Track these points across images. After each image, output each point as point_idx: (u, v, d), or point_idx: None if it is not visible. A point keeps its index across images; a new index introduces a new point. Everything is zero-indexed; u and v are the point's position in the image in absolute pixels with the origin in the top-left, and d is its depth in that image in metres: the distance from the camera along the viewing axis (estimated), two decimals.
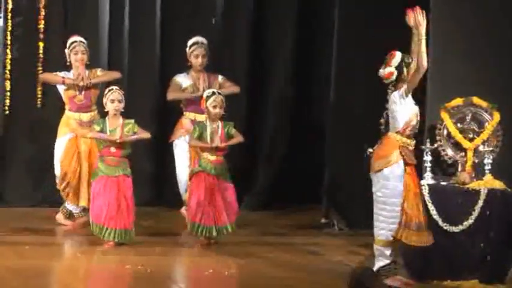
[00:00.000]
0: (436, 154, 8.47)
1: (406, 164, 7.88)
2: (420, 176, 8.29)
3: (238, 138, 9.42)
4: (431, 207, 8.21)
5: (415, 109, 7.99)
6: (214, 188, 9.37)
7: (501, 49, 8.96)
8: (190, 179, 9.57)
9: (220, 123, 9.39)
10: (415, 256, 8.24)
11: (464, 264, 8.18)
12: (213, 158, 9.36)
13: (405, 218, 7.84)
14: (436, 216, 8.20)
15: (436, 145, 8.47)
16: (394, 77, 7.96)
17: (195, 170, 9.45)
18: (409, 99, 7.95)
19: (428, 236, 7.92)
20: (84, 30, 10.47)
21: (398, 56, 8.00)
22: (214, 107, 9.32)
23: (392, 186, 7.88)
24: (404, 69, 7.97)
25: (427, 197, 8.24)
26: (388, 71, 7.99)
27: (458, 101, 8.52)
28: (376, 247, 7.97)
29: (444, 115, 8.49)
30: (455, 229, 8.20)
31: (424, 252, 8.16)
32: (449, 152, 8.52)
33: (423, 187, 8.25)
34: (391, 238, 7.89)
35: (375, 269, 7.92)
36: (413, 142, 7.98)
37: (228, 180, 9.45)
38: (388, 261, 7.95)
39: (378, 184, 7.94)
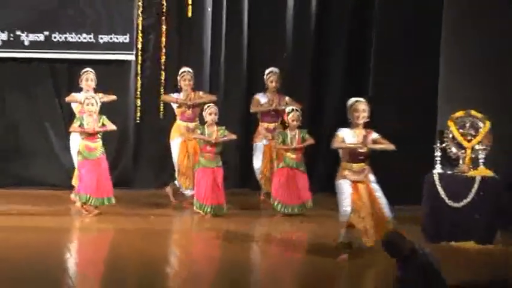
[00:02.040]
0: (444, 151, 8.46)
1: (351, 181, 7.59)
2: (433, 167, 8.33)
3: (310, 141, 9.51)
4: (440, 190, 8.27)
5: (350, 145, 7.58)
6: (295, 177, 9.47)
7: (496, 75, 8.97)
8: (272, 172, 9.75)
9: (297, 131, 9.49)
10: (428, 225, 8.34)
11: (465, 230, 8.21)
12: (293, 156, 9.47)
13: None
14: (443, 196, 8.26)
15: (444, 145, 8.47)
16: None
17: (280, 166, 9.56)
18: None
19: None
20: (192, 62, 10.47)
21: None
22: (293, 120, 9.46)
23: (338, 195, 7.61)
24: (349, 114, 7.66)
25: (437, 182, 8.27)
26: None
27: (460, 113, 8.51)
28: None
29: (450, 123, 8.50)
30: (458, 205, 8.26)
31: (435, 222, 8.30)
32: (454, 149, 8.50)
33: (434, 175, 8.30)
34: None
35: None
36: (359, 165, 7.58)
37: (304, 171, 9.53)
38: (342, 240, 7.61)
39: None
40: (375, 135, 7.68)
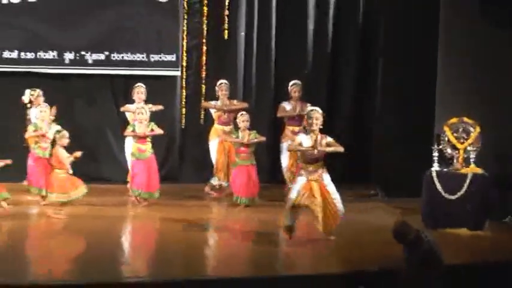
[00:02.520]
0: (440, 152, 8.50)
1: (306, 178, 7.54)
2: (431, 165, 8.36)
3: None
4: (437, 184, 8.32)
5: (302, 148, 7.53)
6: None
7: (485, 86, 8.94)
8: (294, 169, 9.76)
9: None
10: (427, 214, 8.36)
11: (458, 218, 8.26)
12: None
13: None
14: (440, 190, 8.31)
15: (440, 146, 8.52)
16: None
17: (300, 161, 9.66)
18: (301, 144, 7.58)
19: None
20: (228, 77, 10.50)
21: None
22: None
23: (294, 187, 7.64)
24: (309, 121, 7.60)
25: (435, 178, 8.33)
26: None
27: (454, 120, 8.58)
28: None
29: (446, 128, 8.57)
30: (452, 197, 8.30)
31: (433, 212, 8.34)
32: (449, 150, 8.54)
33: (433, 172, 8.37)
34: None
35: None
36: (313, 165, 7.49)
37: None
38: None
39: None
40: (329, 139, 7.60)
